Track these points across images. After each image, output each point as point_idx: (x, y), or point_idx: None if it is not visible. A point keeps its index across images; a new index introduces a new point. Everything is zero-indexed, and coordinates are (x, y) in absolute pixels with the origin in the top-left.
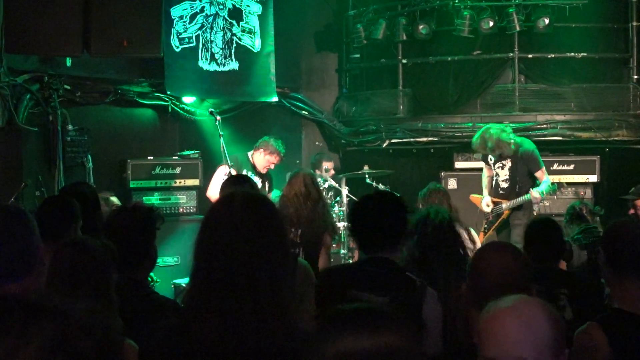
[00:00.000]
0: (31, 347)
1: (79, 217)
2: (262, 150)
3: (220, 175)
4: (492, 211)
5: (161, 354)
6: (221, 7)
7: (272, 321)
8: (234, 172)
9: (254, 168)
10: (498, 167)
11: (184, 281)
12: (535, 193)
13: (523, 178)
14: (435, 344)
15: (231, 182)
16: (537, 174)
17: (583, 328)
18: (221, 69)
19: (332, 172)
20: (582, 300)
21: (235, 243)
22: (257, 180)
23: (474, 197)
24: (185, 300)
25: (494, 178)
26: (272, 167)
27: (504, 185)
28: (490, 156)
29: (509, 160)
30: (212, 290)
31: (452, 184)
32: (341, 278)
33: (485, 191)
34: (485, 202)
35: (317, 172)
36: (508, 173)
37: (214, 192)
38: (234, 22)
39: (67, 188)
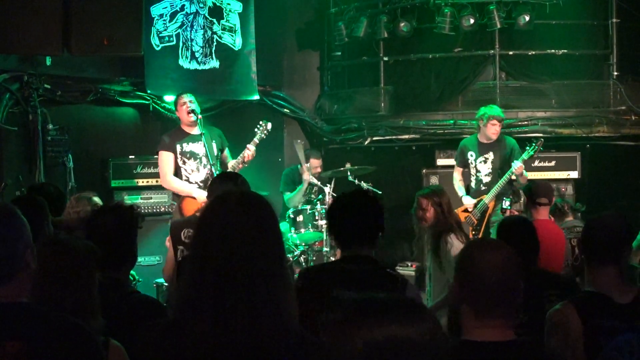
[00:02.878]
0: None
1: (48, 215)
2: None
3: (164, 161)
4: (476, 210)
5: (155, 354)
6: (201, 5)
7: (266, 322)
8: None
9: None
10: (480, 162)
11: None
12: (515, 164)
13: (504, 168)
14: None
15: (222, 179)
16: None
17: (557, 307)
18: (202, 67)
19: (319, 169)
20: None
21: (231, 243)
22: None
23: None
24: (179, 299)
25: (475, 176)
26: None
27: (487, 179)
28: (470, 152)
29: (491, 153)
30: (206, 290)
31: (434, 181)
32: (323, 277)
33: (462, 192)
34: (466, 201)
35: (304, 167)
36: (490, 166)
37: (168, 184)
38: (214, 20)
39: (33, 187)
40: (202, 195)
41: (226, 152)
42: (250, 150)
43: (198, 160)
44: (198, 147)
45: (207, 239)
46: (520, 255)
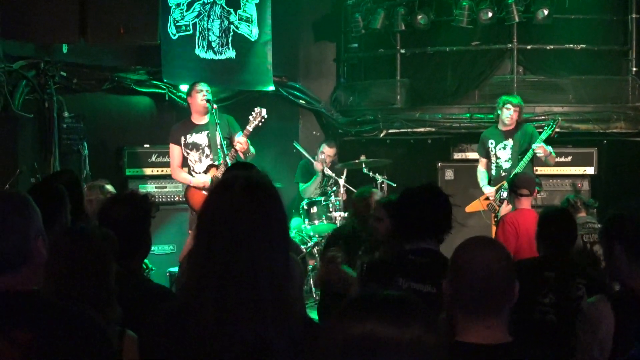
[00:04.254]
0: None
1: (67, 203)
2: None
3: (172, 153)
4: (497, 197)
5: (160, 342)
6: None
7: (270, 310)
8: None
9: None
10: (499, 149)
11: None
12: (535, 145)
13: (524, 155)
14: None
15: (237, 168)
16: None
17: (592, 300)
18: (218, 57)
19: (331, 158)
20: (600, 290)
21: (233, 228)
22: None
23: (470, 206)
24: (184, 281)
25: (495, 163)
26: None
27: (507, 166)
28: (490, 140)
29: (510, 139)
30: (211, 275)
31: (449, 174)
32: (387, 268)
33: (483, 182)
34: (486, 191)
35: (317, 164)
36: (510, 152)
37: (174, 175)
38: (231, 10)
39: (49, 176)
40: (198, 179)
41: (237, 137)
42: (241, 143)
43: (200, 151)
44: (200, 138)
45: (211, 224)
46: (557, 245)
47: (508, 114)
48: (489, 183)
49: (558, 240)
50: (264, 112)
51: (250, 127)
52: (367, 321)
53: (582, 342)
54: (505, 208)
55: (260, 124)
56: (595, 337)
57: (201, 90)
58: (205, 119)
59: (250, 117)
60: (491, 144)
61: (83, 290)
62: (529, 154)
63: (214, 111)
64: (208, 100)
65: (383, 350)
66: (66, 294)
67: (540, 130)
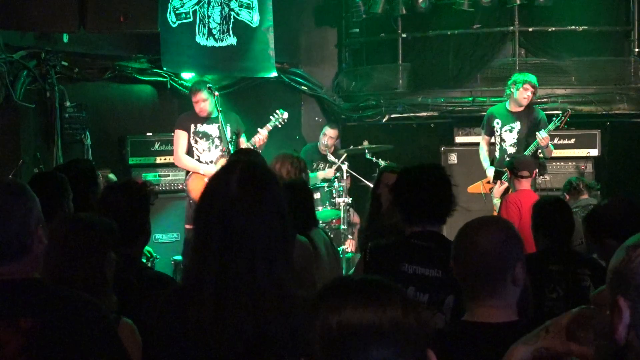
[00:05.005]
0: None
1: (69, 192)
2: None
3: (178, 139)
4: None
5: (161, 321)
6: None
7: (269, 301)
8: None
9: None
10: (506, 131)
11: None
12: (541, 134)
13: (530, 139)
14: None
15: (239, 154)
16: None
17: (602, 288)
18: (219, 44)
19: (333, 140)
20: (605, 278)
21: (230, 215)
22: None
23: (472, 187)
24: (185, 266)
25: (499, 145)
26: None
27: (512, 150)
28: (497, 120)
29: (517, 122)
30: (209, 261)
31: (452, 159)
32: (391, 253)
33: (487, 163)
34: (490, 174)
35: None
36: (516, 136)
37: (179, 161)
38: None
39: (61, 166)
40: (208, 170)
41: (242, 136)
42: (261, 135)
43: (210, 140)
44: (212, 129)
45: (209, 209)
46: (556, 236)
47: (526, 94)
48: (492, 165)
49: (557, 231)
50: (285, 115)
51: (270, 125)
52: (341, 310)
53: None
54: (499, 189)
55: (279, 125)
56: (604, 325)
57: (198, 101)
58: (212, 114)
59: (273, 117)
60: (497, 123)
61: (78, 277)
62: (534, 143)
63: (215, 99)
64: (210, 88)
65: (363, 336)
66: (62, 281)
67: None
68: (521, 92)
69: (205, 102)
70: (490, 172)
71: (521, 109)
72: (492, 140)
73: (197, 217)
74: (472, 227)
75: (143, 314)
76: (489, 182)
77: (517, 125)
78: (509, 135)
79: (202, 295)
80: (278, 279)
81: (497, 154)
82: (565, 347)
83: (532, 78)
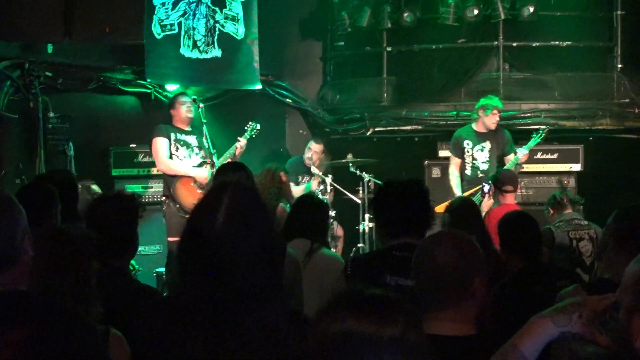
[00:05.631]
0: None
1: (58, 203)
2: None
3: (161, 146)
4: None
5: (152, 332)
6: None
7: (259, 335)
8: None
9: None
10: (477, 150)
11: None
12: (522, 151)
13: (499, 160)
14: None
15: (226, 169)
16: (509, 157)
17: (568, 291)
18: (203, 56)
19: (318, 155)
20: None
21: (217, 236)
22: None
23: (440, 207)
24: (175, 277)
25: (471, 164)
26: None
27: (484, 167)
28: (466, 141)
29: (487, 142)
30: (197, 297)
31: (435, 172)
32: (373, 264)
33: (458, 190)
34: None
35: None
36: (488, 155)
37: (166, 166)
38: (217, 9)
39: (43, 175)
40: (199, 174)
41: (240, 139)
42: (241, 142)
43: (190, 149)
44: (191, 139)
45: (195, 233)
46: (527, 250)
47: (494, 119)
48: (462, 182)
49: (528, 247)
50: (258, 126)
51: (247, 135)
52: (345, 319)
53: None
54: (487, 203)
55: (253, 136)
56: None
57: (184, 103)
58: (190, 127)
59: (247, 128)
60: (467, 144)
61: (63, 288)
62: (514, 160)
63: (200, 110)
64: (190, 113)
65: (361, 348)
66: (47, 293)
67: (519, 129)
68: (490, 118)
69: (190, 105)
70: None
71: (489, 130)
72: (461, 161)
73: (182, 251)
74: (432, 240)
75: (132, 325)
76: None
77: (487, 145)
78: (480, 154)
79: (192, 332)
80: (267, 315)
81: (468, 172)
82: (594, 337)
83: (499, 103)
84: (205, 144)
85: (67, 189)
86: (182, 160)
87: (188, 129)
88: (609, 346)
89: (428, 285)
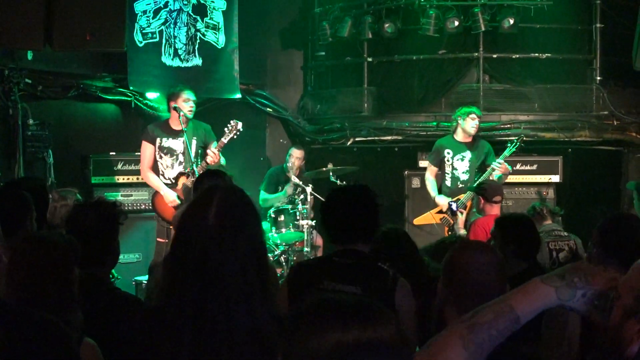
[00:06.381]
0: None
1: (33, 210)
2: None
3: (144, 153)
4: (447, 212)
5: (137, 341)
6: (185, 2)
7: (241, 322)
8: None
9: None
10: (457, 160)
11: (145, 278)
12: (499, 161)
13: (479, 169)
14: (409, 334)
15: (208, 176)
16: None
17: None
18: (184, 64)
19: (300, 161)
20: None
21: (205, 242)
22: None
23: (420, 219)
24: (161, 286)
25: (451, 174)
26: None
27: (464, 177)
28: (447, 150)
29: (468, 152)
30: (185, 299)
31: (415, 182)
32: (313, 270)
33: (434, 192)
34: (440, 201)
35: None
36: (468, 164)
37: (144, 174)
38: (198, 18)
39: (11, 182)
40: (168, 195)
41: (211, 147)
42: (211, 156)
43: (174, 157)
44: (177, 144)
45: (186, 234)
46: (524, 253)
47: (474, 124)
48: (440, 194)
49: (526, 249)
50: (239, 125)
51: (225, 140)
52: (332, 332)
53: (551, 338)
54: (463, 219)
55: (235, 136)
56: (564, 333)
57: (189, 100)
58: (183, 126)
59: (226, 129)
60: (448, 153)
61: (44, 296)
62: (489, 171)
63: (180, 118)
64: (175, 109)
65: (357, 354)
66: (27, 301)
67: (499, 140)
68: (468, 122)
69: (192, 106)
70: (440, 199)
71: (470, 139)
72: (439, 171)
73: (173, 254)
74: (468, 250)
75: (114, 333)
76: (439, 212)
77: (467, 154)
78: (460, 164)
79: (178, 334)
80: (255, 318)
81: (447, 182)
82: (590, 316)
83: (476, 108)
84: (193, 153)
85: (37, 196)
86: (166, 170)
87: (179, 127)
88: (604, 325)
89: (470, 294)
